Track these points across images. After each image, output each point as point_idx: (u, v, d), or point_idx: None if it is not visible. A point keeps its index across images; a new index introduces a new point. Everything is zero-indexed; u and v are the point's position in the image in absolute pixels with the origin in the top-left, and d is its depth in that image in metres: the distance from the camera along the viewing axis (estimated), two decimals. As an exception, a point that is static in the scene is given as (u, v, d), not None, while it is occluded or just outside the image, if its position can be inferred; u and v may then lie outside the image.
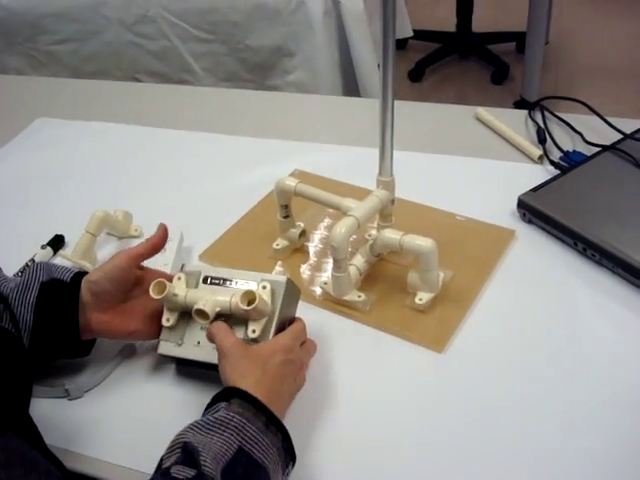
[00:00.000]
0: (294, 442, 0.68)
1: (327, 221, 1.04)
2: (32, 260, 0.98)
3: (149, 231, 1.03)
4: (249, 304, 0.74)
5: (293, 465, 0.69)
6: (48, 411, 0.79)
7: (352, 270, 0.88)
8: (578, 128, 1.17)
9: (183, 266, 0.84)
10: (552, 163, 1.09)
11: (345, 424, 0.75)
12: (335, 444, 0.73)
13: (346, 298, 0.88)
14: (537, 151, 1.12)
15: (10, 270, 0.97)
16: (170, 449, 0.63)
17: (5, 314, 0.75)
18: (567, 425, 0.73)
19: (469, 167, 1.13)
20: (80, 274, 0.80)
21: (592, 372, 0.78)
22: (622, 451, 0.70)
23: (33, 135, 1.36)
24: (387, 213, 0.92)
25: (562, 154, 1.11)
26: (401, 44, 3.60)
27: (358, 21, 1.99)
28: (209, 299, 0.77)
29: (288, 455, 0.68)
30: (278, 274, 0.95)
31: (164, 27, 2.00)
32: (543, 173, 1.08)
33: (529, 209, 0.99)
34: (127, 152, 1.28)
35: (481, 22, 3.58)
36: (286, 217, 0.96)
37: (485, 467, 0.70)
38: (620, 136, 1.11)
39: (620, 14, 3.86)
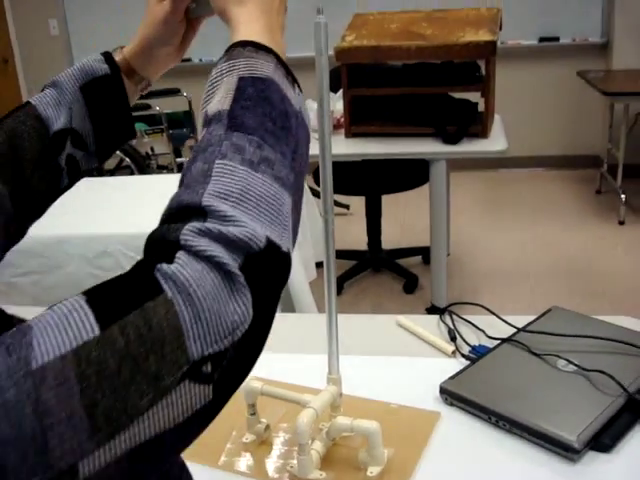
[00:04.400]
0: None
1: (287, 414, 1.22)
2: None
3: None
4: None
5: (299, 87, 0.65)
6: None
7: (313, 453, 1.06)
8: (481, 326, 1.43)
9: None
10: (463, 356, 1.33)
11: None
12: None
13: (310, 477, 1.05)
14: (450, 347, 1.36)
15: None
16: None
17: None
18: None
19: (396, 364, 1.34)
20: (109, 55, 0.85)
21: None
22: None
23: None
24: (336, 405, 1.12)
25: (470, 348, 1.36)
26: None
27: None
28: None
29: (289, 75, 0.64)
30: (244, 464, 1.11)
31: (122, 261, 2.20)
32: (457, 364, 1.31)
33: (449, 394, 1.21)
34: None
35: (389, 240, 3.98)
36: (253, 414, 1.15)
37: None
38: (514, 330, 1.38)
39: (506, 228, 4.41)
